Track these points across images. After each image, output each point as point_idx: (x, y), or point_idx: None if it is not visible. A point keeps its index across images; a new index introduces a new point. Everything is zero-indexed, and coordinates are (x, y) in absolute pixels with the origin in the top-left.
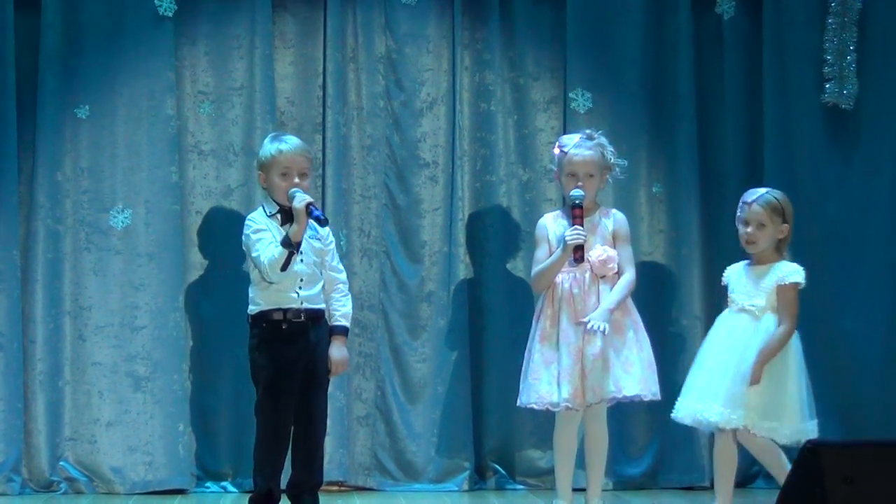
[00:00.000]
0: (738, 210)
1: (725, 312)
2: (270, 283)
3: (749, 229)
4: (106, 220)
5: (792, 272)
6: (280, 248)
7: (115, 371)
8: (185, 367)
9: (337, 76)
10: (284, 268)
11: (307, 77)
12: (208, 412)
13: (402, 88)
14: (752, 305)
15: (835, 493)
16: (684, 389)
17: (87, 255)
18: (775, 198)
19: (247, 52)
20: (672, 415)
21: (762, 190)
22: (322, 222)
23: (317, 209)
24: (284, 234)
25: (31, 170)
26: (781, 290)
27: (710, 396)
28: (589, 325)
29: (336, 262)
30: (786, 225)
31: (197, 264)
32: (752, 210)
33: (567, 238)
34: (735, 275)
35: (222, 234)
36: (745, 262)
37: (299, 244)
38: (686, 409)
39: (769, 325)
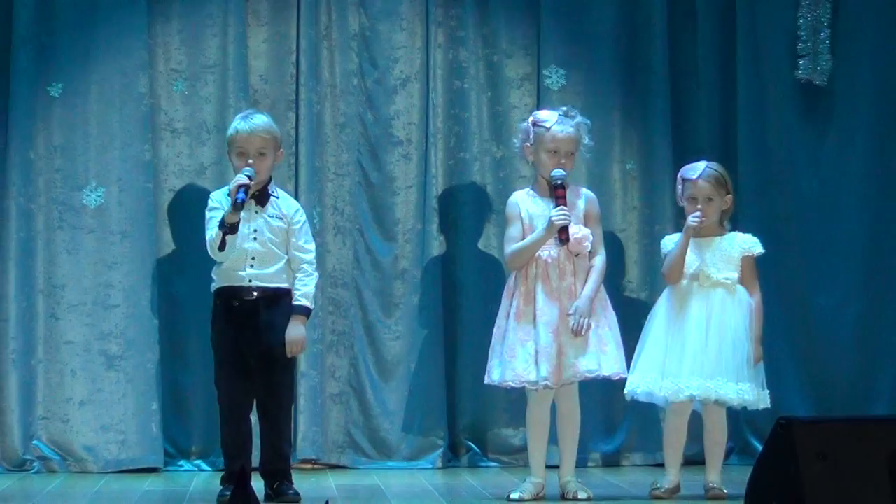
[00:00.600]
0: (680, 187)
1: (694, 286)
2: (218, 262)
3: (699, 206)
4: (79, 199)
5: (755, 243)
6: (217, 228)
7: (88, 350)
8: (158, 345)
9: (310, 54)
10: (221, 248)
11: (280, 55)
12: (181, 391)
13: (375, 66)
14: (727, 279)
15: (808, 468)
16: (649, 365)
17: (59, 234)
18: (717, 170)
19: (220, 29)
20: (631, 389)
21: (700, 165)
22: (236, 206)
23: (242, 192)
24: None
25: (3, 148)
26: (748, 260)
27: (699, 372)
28: (573, 325)
29: (303, 241)
30: (729, 196)
31: (170, 242)
32: (699, 186)
33: (554, 219)
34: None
35: (195, 212)
36: (679, 234)
37: (235, 225)
38: (658, 385)
39: (742, 296)
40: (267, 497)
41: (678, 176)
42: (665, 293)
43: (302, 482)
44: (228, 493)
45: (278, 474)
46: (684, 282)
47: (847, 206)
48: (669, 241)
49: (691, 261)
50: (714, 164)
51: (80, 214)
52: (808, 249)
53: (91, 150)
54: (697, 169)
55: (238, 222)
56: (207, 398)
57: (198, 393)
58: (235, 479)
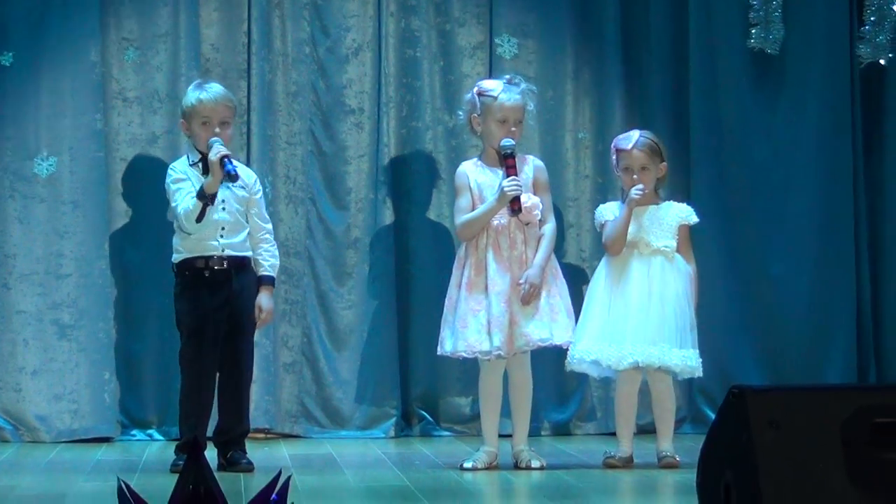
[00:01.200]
0: (614, 157)
1: (634, 254)
2: (188, 233)
3: (635, 175)
4: (30, 168)
5: (690, 212)
6: (195, 199)
7: (41, 319)
8: (111, 315)
9: (262, 22)
10: (199, 219)
11: (232, 23)
12: (134, 360)
13: (327, 35)
14: (666, 247)
15: (761, 437)
16: (592, 334)
17: (11, 203)
18: (651, 139)
19: None
20: (572, 358)
21: (634, 134)
22: (232, 178)
23: (231, 163)
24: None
25: None
26: (684, 230)
27: (643, 339)
28: (523, 293)
29: (263, 211)
30: (664, 164)
31: (122, 212)
32: (634, 156)
33: (505, 189)
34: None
35: (147, 181)
36: (619, 202)
37: (214, 196)
38: (604, 353)
39: (680, 265)
40: (220, 466)
41: (612, 146)
42: (603, 262)
43: (255, 451)
44: (182, 462)
45: (232, 443)
46: (623, 250)
47: (799, 174)
48: (605, 211)
49: (630, 229)
50: (647, 133)
51: (32, 184)
52: (760, 219)
53: (42, 119)
54: (631, 138)
55: (217, 193)
56: (161, 367)
57: (151, 362)
58: (189, 449)
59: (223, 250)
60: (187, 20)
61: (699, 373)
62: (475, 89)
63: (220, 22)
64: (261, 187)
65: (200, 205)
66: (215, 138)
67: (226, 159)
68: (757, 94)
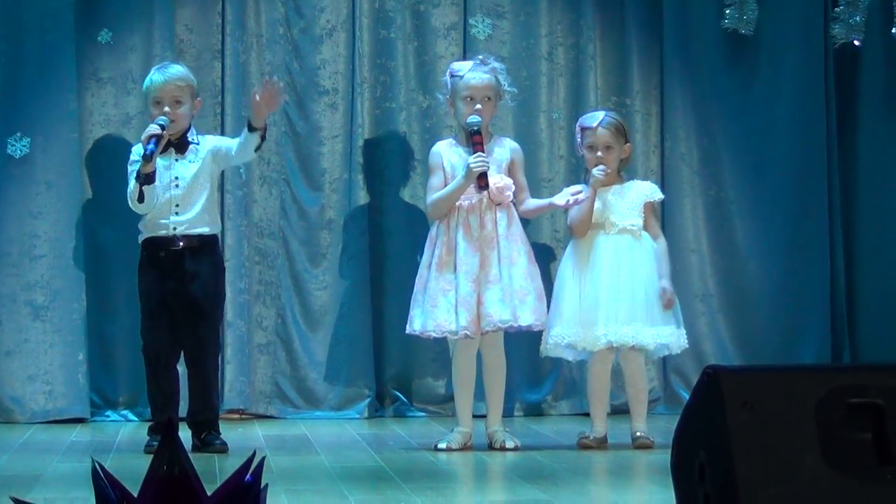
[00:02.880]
0: (579, 136)
1: (600, 234)
2: (140, 214)
3: (599, 153)
4: (4, 149)
5: (655, 189)
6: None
7: (14, 300)
8: (85, 296)
9: (236, 3)
10: (140, 199)
11: (206, 4)
12: (108, 341)
13: (301, 15)
14: (633, 225)
15: (735, 417)
16: (566, 318)
17: None
18: (616, 119)
19: None
20: (547, 343)
21: (599, 114)
22: (146, 157)
23: (152, 143)
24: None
25: None
26: (650, 206)
27: (615, 319)
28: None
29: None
30: (628, 144)
31: (95, 193)
32: (599, 134)
33: (471, 165)
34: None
35: (121, 162)
36: (583, 185)
37: (150, 175)
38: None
39: (647, 242)
40: (194, 447)
41: (577, 125)
42: (570, 245)
43: (229, 432)
44: (156, 443)
45: (206, 424)
46: (589, 231)
47: (773, 155)
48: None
49: (595, 210)
50: (612, 113)
51: (6, 164)
52: (734, 198)
53: (16, 100)
54: (597, 117)
55: (153, 172)
56: (134, 349)
57: (125, 343)
58: (163, 430)
59: (175, 229)
60: (161, 1)
61: (676, 349)
62: (448, 71)
63: (194, 2)
64: (217, 141)
65: (138, 186)
66: (160, 118)
67: (152, 139)
68: (731, 75)
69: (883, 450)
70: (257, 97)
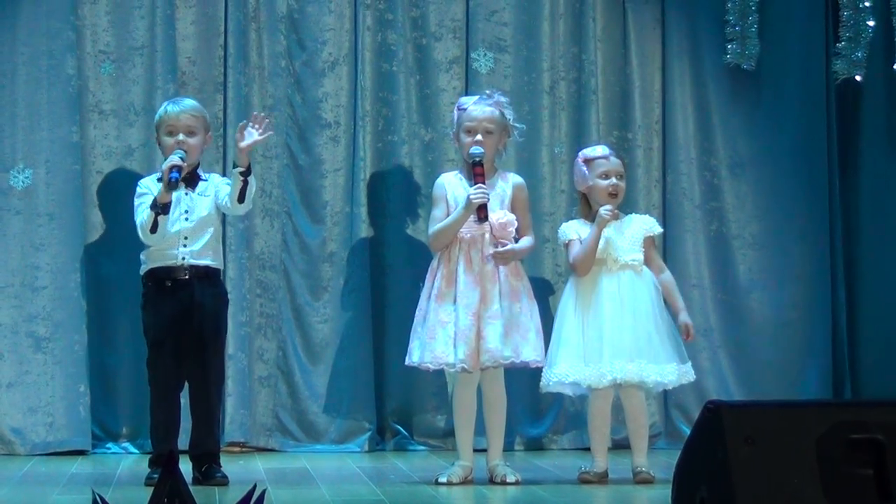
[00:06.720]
0: (584, 168)
1: (602, 270)
2: (149, 245)
3: (614, 180)
4: (6, 180)
5: (653, 223)
6: (149, 210)
7: (16, 331)
8: (86, 327)
9: (238, 36)
10: (154, 230)
11: (208, 36)
12: (109, 373)
13: (303, 48)
14: (634, 260)
15: (736, 453)
16: (569, 355)
17: None
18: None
19: (148, 11)
20: (549, 381)
21: (602, 146)
22: (170, 185)
23: (176, 172)
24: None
25: None
26: (650, 241)
27: (620, 355)
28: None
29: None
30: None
31: (97, 224)
32: (613, 162)
33: (471, 197)
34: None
35: (123, 194)
36: (580, 220)
37: (167, 206)
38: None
39: (648, 277)
40: (195, 480)
41: (578, 159)
42: (571, 282)
43: (230, 465)
44: (156, 475)
45: (207, 457)
46: (602, 269)
47: (775, 189)
48: (568, 230)
49: (612, 245)
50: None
51: (8, 196)
52: (737, 233)
53: (18, 131)
54: (605, 148)
55: (170, 203)
56: (135, 380)
57: (125, 375)
58: (164, 462)
59: (183, 259)
60: (164, 33)
61: (684, 381)
62: (456, 105)
63: (197, 35)
64: (222, 182)
65: (153, 215)
66: (178, 150)
67: (175, 168)
68: (733, 109)
69: (883, 485)
70: (238, 134)
